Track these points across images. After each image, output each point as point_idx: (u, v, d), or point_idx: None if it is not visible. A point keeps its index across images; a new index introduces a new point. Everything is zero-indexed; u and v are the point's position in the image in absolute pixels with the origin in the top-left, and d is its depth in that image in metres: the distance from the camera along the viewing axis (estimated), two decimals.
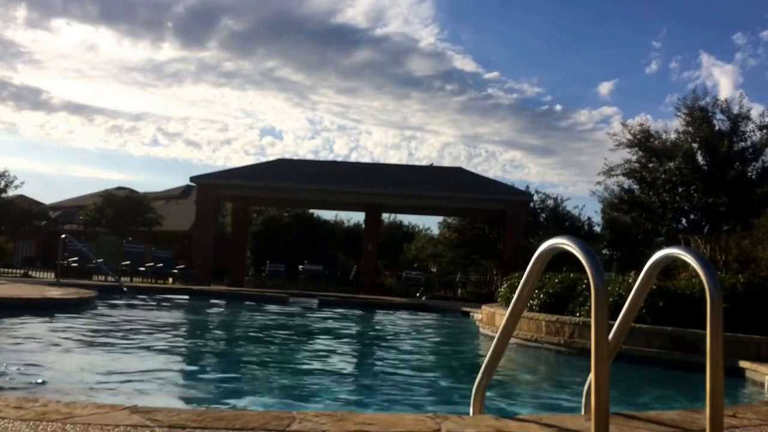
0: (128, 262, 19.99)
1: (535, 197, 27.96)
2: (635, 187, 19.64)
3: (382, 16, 61.60)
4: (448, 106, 60.26)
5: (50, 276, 18.89)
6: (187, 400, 4.54)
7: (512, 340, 7.92)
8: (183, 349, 7.79)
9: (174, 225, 36.24)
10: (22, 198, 36.16)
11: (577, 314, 8.22)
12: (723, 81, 51.92)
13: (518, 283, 3.21)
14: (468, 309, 14.60)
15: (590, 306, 2.50)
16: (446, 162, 56.27)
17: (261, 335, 9.67)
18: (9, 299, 9.35)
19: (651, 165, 18.66)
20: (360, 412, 3.77)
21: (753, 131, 17.94)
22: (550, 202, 28.96)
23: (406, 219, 38.49)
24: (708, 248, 18.56)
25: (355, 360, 7.88)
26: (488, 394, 3.40)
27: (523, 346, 8.40)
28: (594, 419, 2.37)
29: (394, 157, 73.03)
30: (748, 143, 18.06)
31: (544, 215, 28.75)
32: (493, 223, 27.22)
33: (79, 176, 71.65)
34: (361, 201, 25.56)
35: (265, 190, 24.87)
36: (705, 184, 17.52)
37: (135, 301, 13.03)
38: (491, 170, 75.34)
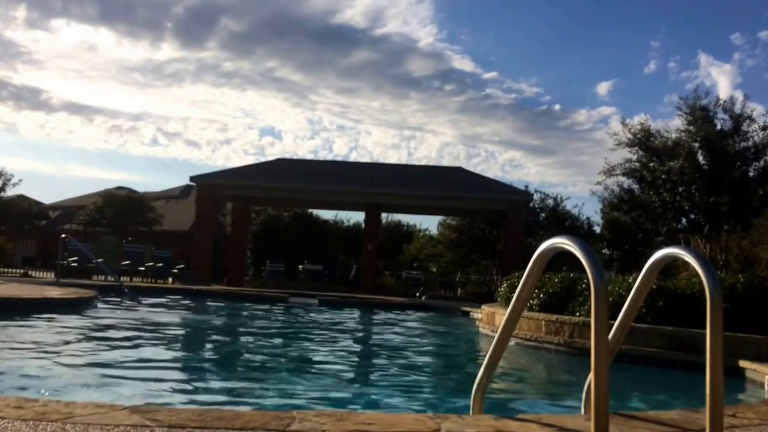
0: (128, 262, 19.99)
1: (535, 197, 27.95)
2: (635, 186, 19.64)
3: (381, 17, 61.62)
4: (447, 106, 60.31)
5: (50, 276, 18.89)
6: (187, 400, 4.54)
7: (512, 340, 7.93)
8: (182, 349, 7.80)
9: (174, 225, 36.22)
10: (22, 198, 36.12)
11: (577, 314, 8.23)
12: (721, 81, 51.96)
13: (518, 283, 3.20)
14: (468, 309, 14.61)
15: (590, 306, 2.50)
16: (446, 162, 56.29)
17: (261, 335, 9.66)
18: (8, 299, 9.35)
19: (651, 164, 18.65)
20: (360, 411, 3.77)
21: (755, 131, 17.95)
22: (550, 202, 28.95)
23: (406, 219, 38.49)
24: (708, 248, 18.56)
25: (354, 359, 7.88)
26: (488, 393, 3.40)
27: (523, 346, 8.41)
28: (594, 419, 2.37)
29: (394, 157, 72.99)
30: (750, 143, 18.06)
31: (544, 215, 28.73)
32: (493, 223, 27.19)
33: (79, 176, 71.59)
34: (360, 201, 25.55)
35: (265, 190, 24.87)
36: (706, 184, 17.52)
37: (135, 301, 13.03)
38: (490, 170, 75.40)
